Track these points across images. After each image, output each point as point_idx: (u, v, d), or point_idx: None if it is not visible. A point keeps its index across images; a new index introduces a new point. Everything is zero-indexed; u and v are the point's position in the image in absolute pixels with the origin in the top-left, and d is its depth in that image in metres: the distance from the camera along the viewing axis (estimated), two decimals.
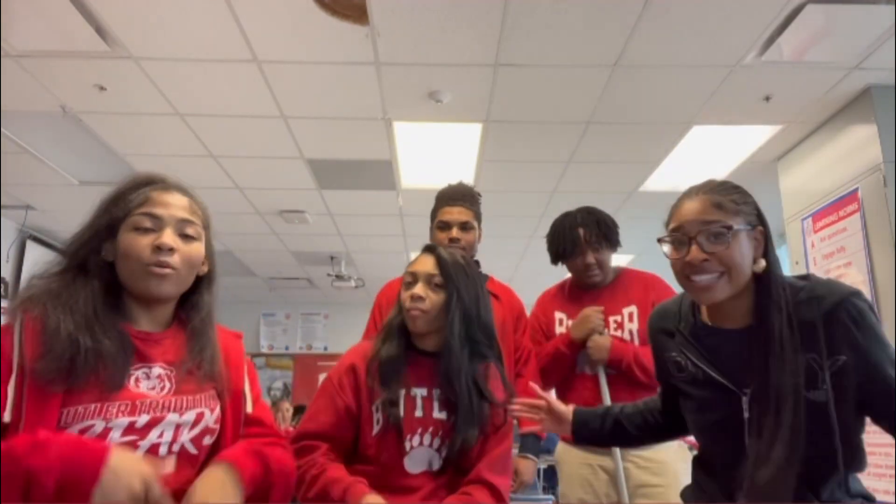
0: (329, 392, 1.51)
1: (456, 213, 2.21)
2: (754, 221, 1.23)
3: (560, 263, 2.42)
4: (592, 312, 2.24)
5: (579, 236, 2.32)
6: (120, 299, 1.15)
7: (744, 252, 1.20)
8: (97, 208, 1.18)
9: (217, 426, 1.18)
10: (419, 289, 1.51)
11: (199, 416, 1.15)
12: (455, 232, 2.18)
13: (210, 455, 1.18)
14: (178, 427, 1.11)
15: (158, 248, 1.12)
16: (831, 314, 1.17)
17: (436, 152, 4.12)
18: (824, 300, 1.18)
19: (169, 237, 1.14)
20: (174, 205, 1.17)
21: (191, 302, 1.24)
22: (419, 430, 1.47)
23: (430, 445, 1.48)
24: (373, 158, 4.17)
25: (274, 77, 3.20)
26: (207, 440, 1.16)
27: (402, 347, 1.52)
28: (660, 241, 1.27)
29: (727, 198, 1.22)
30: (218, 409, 1.19)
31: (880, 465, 3.07)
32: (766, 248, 1.24)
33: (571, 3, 2.65)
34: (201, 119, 3.64)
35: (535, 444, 2.22)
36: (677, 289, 1.37)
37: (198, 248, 1.20)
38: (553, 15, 2.73)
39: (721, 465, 1.28)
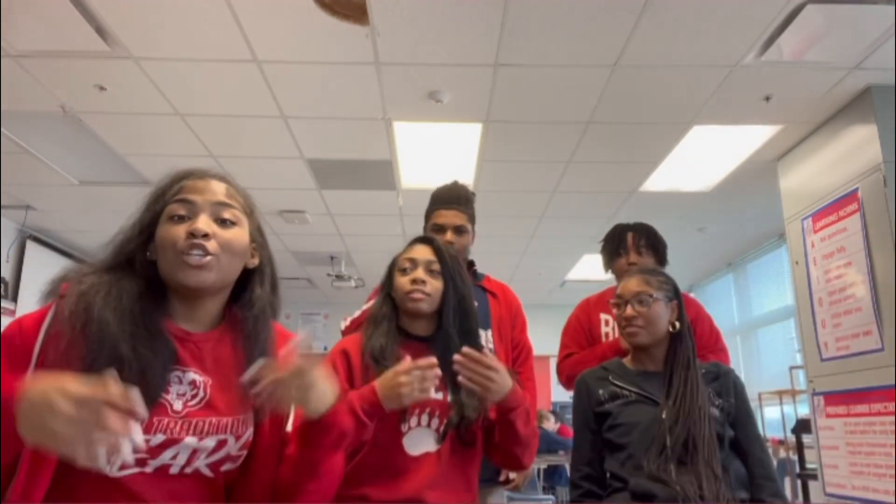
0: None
1: (450, 217, 2.20)
2: (671, 297, 1.76)
3: (608, 270, 2.54)
4: None
5: (627, 237, 2.45)
6: (164, 298, 1.07)
7: (660, 313, 1.72)
8: (141, 206, 1.11)
9: (243, 453, 1.07)
10: (420, 273, 1.55)
11: (221, 444, 1.03)
12: (449, 235, 2.18)
13: (237, 479, 1.08)
14: (194, 451, 1.01)
15: (192, 235, 1.02)
16: (727, 373, 1.77)
17: (436, 152, 4.12)
18: (721, 366, 1.80)
19: (203, 222, 1.04)
20: (209, 190, 1.08)
21: (242, 299, 1.13)
22: (416, 411, 1.48)
23: (429, 426, 1.49)
24: (373, 158, 4.17)
25: (274, 77, 3.20)
26: (228, 466, 1.05)
27: (392, 333, 1.55)
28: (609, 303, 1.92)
29: (654, 279, 1.77)
30: (248, 434, 1.07)
31: (880, 465, 3.07)
32: (679, 315, 1.75)
33: (571, 3, 2.65)
34: (201, 119, 3.64)
35: None
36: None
37: (238, 234, 1.08)
38: (553, 15, 2.73)
39: (644, 458, 1.62)
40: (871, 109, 3.30)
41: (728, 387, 1.73)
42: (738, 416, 1.71)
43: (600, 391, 1.75)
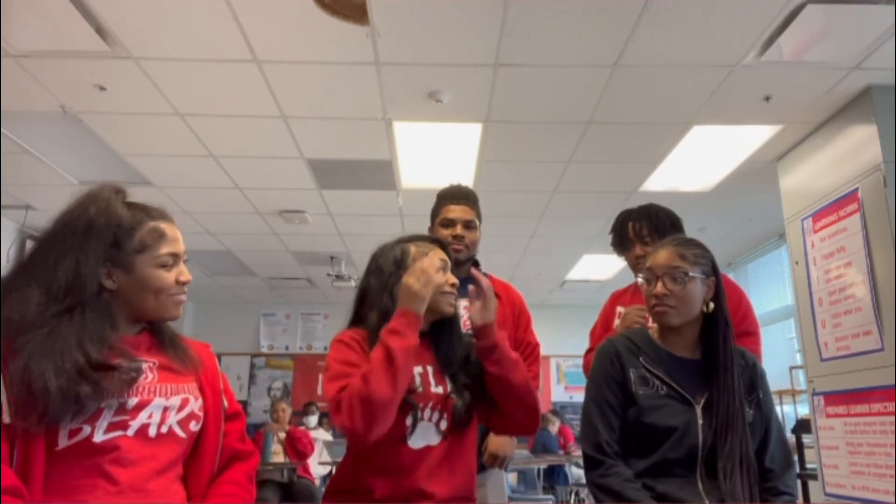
0: (352, 346, 1.51)
1: (460, 212, 2.21)
2: (708, 273, 1.58)
3: (624, 259, 2.41)
4: (632, 311, 2.15)
5: (628, 229, 2.29)
6: (112, 319, 1.21)
7: (695, 292, 1.55)
8: (77, 235, 1.18)
9: (202, 414, 1.27)
10: (452, 276, 1.56)
11: (185, 401, 1.24)
12: (459, 229, 2.19)
13: (196, 443, 1.27)
14: (165, 409, 1.20)
15: (184, 283, 1.28)
16: (755, 365, 1.63)
17: (436, 152, 4.12)
18: (747, 356, 1.63)
19: (187, 273, 1.29)
20: (179, 238, 1.30)
21: None
22: (419, 406, 1.50)
23: (430, 419, 1.51)
24: (373, 158, 4.17)
25: (274, 77, 3.21)
26: (194, 426, 1.25)
27: None
28: (637, 276, 1.74)
29: (689, 251, 1.59)
30: (201, 401, 1.28)
31: (880, 465, 3.07)
32: (716, 294, 1.58)
33: (571, 3, 2.65)
34: (201, 119, 3.64)
35: None
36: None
37: None
38: (553, 15, 2.73)
39: (676, 466, 1.51)
40: (871, 109, 3.30)
41: (756, 380, 1.59)
42: (761, 406, 1.58)
43: (631, 370, 1.57)
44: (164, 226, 1.27)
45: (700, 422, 1.50)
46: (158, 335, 1.31)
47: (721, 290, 1.58)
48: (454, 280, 1.56)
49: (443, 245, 1.64)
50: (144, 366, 1.22)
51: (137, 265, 1.22)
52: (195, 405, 1.26)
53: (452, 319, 1.58)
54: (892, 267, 3.09)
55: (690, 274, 1.54)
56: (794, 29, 2.78)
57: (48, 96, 3.32)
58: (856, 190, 3.35)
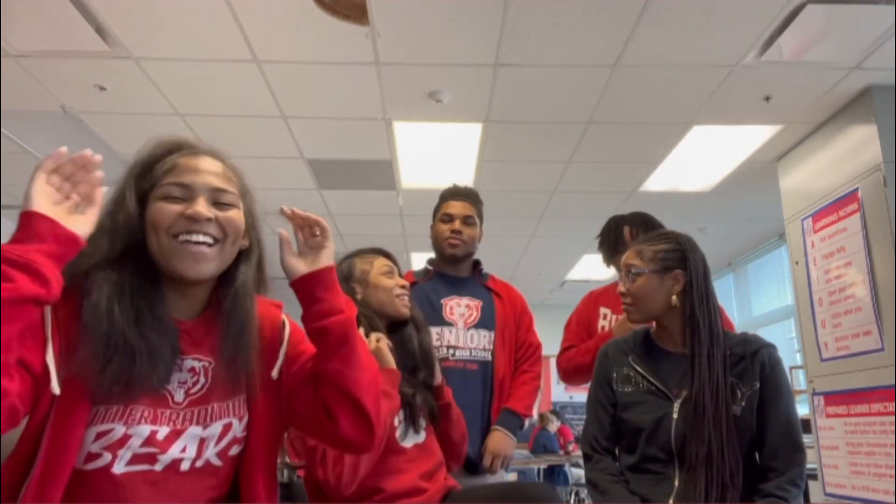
0: None
1: (459, 207, 2.24)
2: (672, 266, 1.56)
3: (610, 265, 2.44)
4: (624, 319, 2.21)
5: (623, 233, 2.35)
6: (159, 284, 1.02)
7: (648, 288, 1.56)
8: (124, 180, 1.04)
9: (245, 433, 1.06)
10: (401, 280, 1.76)
11: (227, 428, 1.03)
12: (458, 224, 2.21)
13: (240, 461, 1.07)
14: (202, 441, 1.00)
15: (191, 219, 0.98)
16: (756, 352, 1.53)
17: (436, 152, 4.12)
18: (753, 343, 1.55)
19: (202, 205, 0.99)
20: (205, 171, 1.02)
21: (225, 278, 1.09)
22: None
23: (405, 419, 1.61)
24: (373, 158, 4.17)
25: (274, 77, 3.20)
26: (235, 450, 1.05)
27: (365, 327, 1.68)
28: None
29: (650, 248, 1.59)
30: (247, 416, 1.07)
31: (880, 465, 3.07)
32: (690, 287, 1.54)
33: (571, 3, 2.65)
34: (201, 119, 3.64)
35: (510, 419, 2.15)
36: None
37: (238, 216, 1.05)
38: (553, 15, 2.73)
39: (653, 462, 1.52)
40: (871, 109, 3.30)
41: (754, 370, 1.51)
42: (761, 397, 1.50)
43: (615, 372, 1.61)
44: (182, 160, 1.03)
45: (675, 416, 1.50)
46: (228, 315, 1.04)
47: (693, 281, 1.55)
48: (403, 282, 1.73)
49: (385, 253, 1.80)
50: (198, 366, 1.02)
51: (148, 204, 1.01)
52: (238, 428, 1.04)
53: (411, 322, 1.73)
54: (892, 267, 3.09)
55: (634, 271, 1.58)
56: (794, 29, 2.78)
57: (48, 96, 3.32)
58: (856, 190, 3.35)
